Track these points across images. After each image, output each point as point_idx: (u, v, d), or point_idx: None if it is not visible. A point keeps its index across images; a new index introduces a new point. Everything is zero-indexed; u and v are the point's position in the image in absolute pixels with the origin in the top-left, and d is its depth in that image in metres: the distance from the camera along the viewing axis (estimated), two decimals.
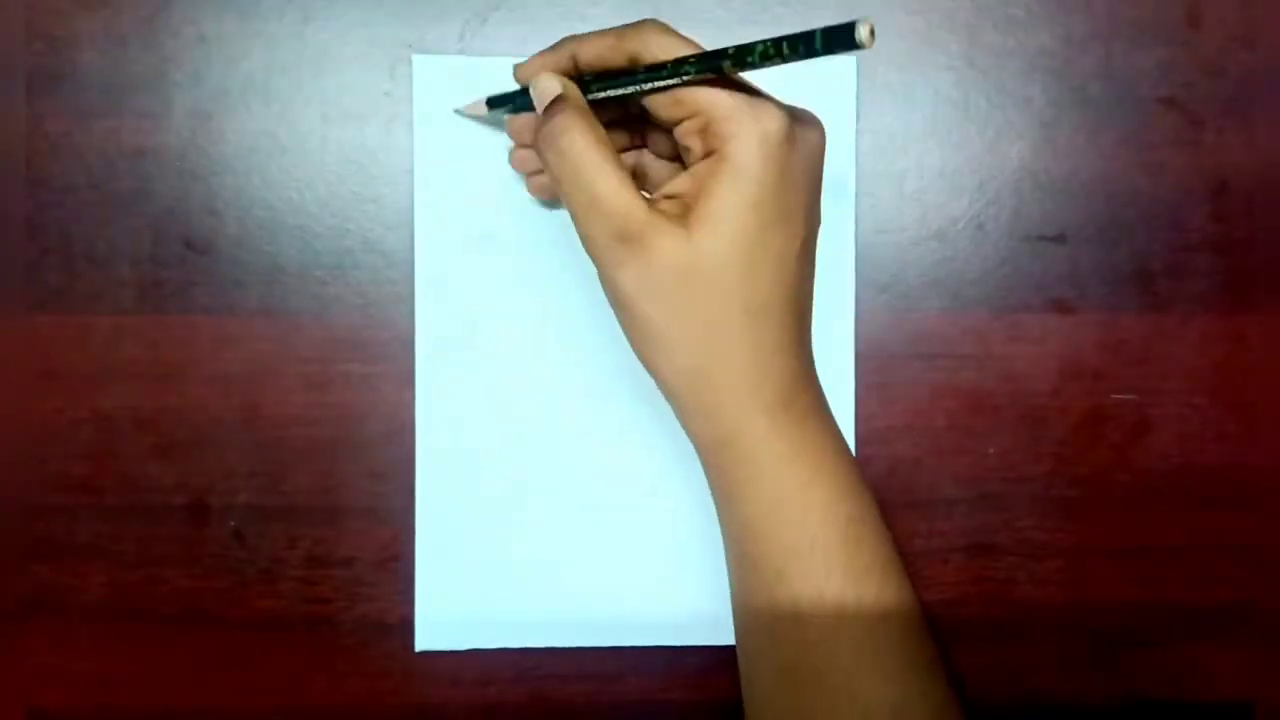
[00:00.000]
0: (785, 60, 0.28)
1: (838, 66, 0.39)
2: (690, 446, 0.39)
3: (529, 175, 0.37)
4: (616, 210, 0.30)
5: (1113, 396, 0.40)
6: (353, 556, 0.39)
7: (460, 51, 0.39)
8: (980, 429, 0.40)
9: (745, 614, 0.34)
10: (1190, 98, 0.40)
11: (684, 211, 0.30)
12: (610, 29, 0.32)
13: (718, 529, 0.39)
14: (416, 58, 0.38)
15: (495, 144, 0.38)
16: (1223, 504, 0.40)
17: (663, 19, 0.39)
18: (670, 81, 0.30)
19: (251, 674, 0.39)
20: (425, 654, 0.39)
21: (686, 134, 0.31)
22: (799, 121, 0.31)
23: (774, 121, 0.30)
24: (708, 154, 0.31)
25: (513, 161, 0.37)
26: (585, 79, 0.33)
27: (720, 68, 0.29)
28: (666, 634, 0.39)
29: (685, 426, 0.33)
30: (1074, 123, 0.40)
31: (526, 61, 0.34)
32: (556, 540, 0.39)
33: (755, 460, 0.32)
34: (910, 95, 0.39)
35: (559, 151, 0.31)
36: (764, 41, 0.28)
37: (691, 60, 0.30)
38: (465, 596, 0.39)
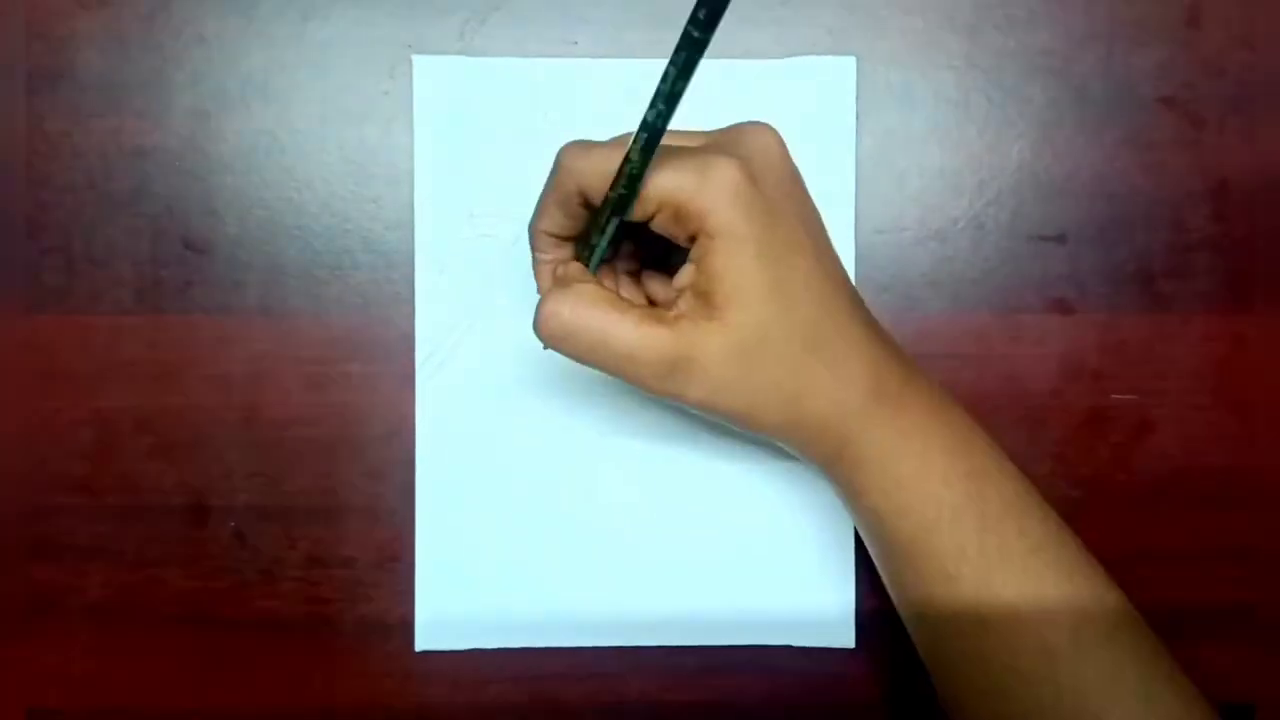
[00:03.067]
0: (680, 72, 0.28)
1: (838, 66, 0.39)
2: (690, 446, 0.40)
3: None
4: (648, 355, 0.30)
5: (1113, 396, 0.40)
6: (353, 556, 0.39)
7: (460, 51, 0.39)
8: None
9: (905, 606, 0.34)
10: (1190, 98, 0.40)
11: (705, 302, 0.30)
12: (544, 191, 0.32)
13: (717, 529, 0.39)
14: (416, 58, 0.38)
15: (495, 144, 0.38)
16: (1223, 504, 0.40)
17: (663, 19, 0.39)
18: (623, 190, 0.30)
19: (251, 674, 0.39)
20: (425, 654, 0.39)
21: (664, 226, 0.31)
22: (747, 147, 0.31)
23: (728, 170, 0.30)
24: (692, 236, 0.31)
25: None
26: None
27: (653, 122, 0.28)
28: (666, 634, 0.39)
29: (801, 457, 0.34)
30: (1074, 123, 0.40)
31: (533, 219, 0.34)
32: (556, 540, 0.39)
33: (868, 456, 0.32)
34: (910, 95, 0.39)
35: (559, 338, 0.31)
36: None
37: (634, 147, 0.29)
38: (465, 596, 0.39)
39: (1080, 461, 0.40)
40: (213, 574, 0.39)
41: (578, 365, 0.39)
